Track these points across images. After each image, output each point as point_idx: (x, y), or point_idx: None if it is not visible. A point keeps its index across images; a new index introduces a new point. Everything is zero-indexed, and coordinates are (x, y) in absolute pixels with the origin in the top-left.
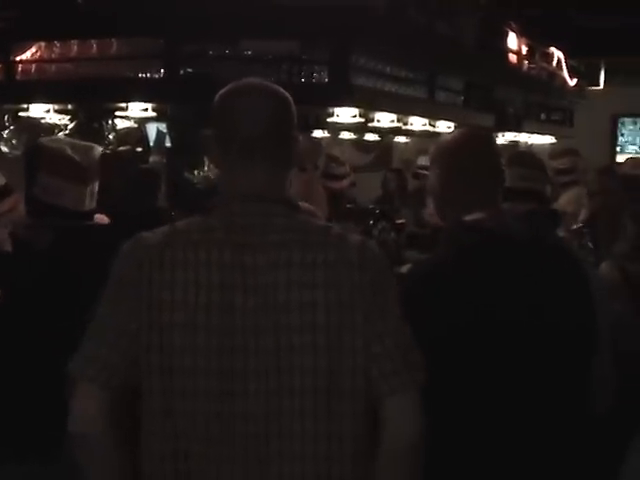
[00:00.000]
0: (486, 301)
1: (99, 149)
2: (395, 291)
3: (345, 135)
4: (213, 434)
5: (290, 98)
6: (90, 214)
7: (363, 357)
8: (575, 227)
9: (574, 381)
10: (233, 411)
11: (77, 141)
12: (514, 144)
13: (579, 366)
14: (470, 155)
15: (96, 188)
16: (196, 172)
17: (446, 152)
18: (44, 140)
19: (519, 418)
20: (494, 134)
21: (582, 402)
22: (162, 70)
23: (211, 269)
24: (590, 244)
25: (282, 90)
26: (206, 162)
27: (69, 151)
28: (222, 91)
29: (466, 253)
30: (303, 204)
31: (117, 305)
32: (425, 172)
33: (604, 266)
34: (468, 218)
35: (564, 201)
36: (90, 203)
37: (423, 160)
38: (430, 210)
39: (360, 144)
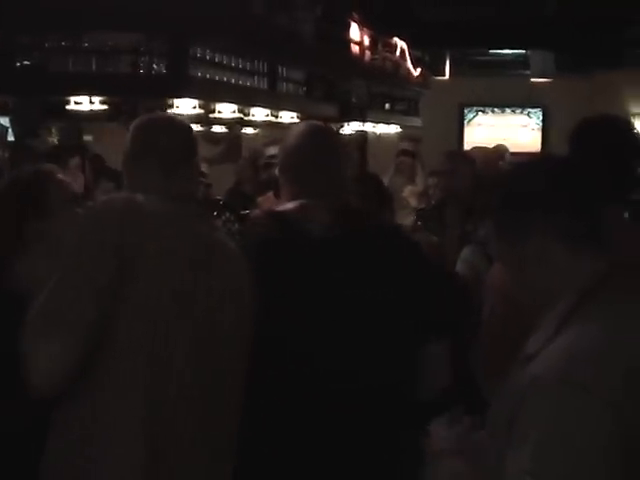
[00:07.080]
0: (274, 289)
1: None
2: None
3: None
4: None
5: None
6: None
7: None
8: (419, 208)
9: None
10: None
11: None
12: (362, 133)
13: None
14: (301, 149)
15: None
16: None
17: (283, 146)
18: None
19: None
20: (337, 126)
21: (399, 379)
22: None
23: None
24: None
25: None
26: None
27: None
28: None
29: (262, 241)
30: None
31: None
32: (274, 162)
33: (467, 251)
34: (278, 208)
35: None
36: None
37: (272, 150)
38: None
39: (208, 136)
